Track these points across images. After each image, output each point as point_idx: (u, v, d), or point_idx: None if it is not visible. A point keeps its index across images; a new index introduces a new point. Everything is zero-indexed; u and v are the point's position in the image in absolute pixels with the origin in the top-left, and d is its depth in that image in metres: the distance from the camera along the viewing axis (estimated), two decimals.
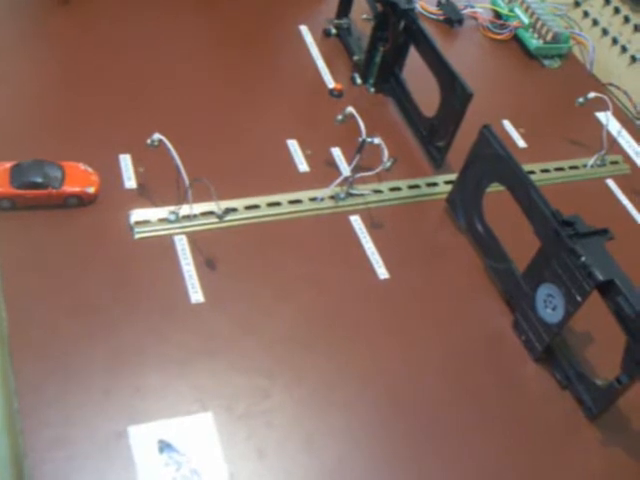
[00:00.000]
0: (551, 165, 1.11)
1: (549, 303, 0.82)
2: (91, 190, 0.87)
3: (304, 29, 1.22)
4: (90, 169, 0.89)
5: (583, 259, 0.77)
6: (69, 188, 0.86)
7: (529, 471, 0.78)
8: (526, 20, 1.33)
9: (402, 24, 1.05)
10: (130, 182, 0.91)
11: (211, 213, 0.88)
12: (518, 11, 1.35)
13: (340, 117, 0.96)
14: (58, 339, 0.75)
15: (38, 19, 1.08)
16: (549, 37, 1.31)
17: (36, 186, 0.85)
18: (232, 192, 0.91)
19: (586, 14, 1.40)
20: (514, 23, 1.33)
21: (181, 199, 0.86)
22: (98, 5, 1.12)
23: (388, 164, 0.93)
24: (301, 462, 0.72)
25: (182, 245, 0.86)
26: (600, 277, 0.76)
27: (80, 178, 0.87)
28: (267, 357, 0.79)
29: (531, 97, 1.25)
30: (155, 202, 0.89)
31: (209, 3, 1.20)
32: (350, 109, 0.95)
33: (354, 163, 0.94)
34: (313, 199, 0.95)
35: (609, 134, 1.14)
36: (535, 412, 0.82)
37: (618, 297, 0.76)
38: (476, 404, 0.81)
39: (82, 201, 0.87)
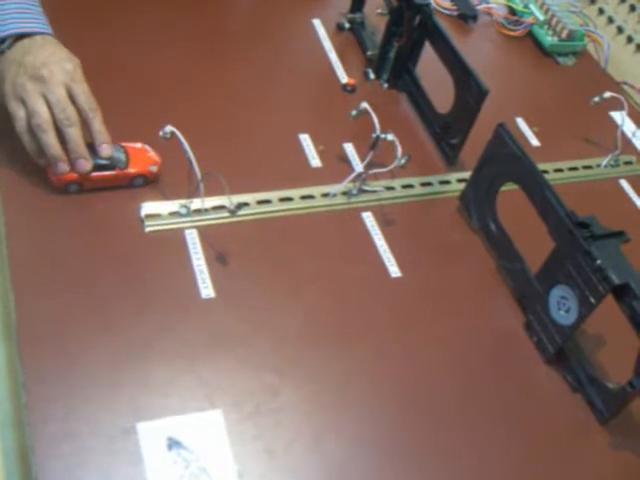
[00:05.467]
0: (564, 164, 1.11)
1: (562, 305, 0.82)
2: (155, 169, 0.88)
3: (317, 23, 1.21)
4: (149, 148, 0.89)
5: (599, 262, 0.76)
6: (135, 168, 0.87)
7: (538, 474, 0.77)
8: (541, 17, 1.32)
9: (417, 19, 1.04)
10: None
11: (222, 207, 0.87)
12: (533, 7, 1.34)
13: (354, 112, 0.95)
14: (66, 333, 0.75)
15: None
16: (564, 34, 1.30)
17: (104, 168, 0.85)
18: (244, 186, 0.91)
19: (601, 11, 1.39)
20: (529, 20, 1.32)
21: (192, 193, 0.85)
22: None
23: (403, 161, 0.93)
24: (310, 461, 0.72)
25: (193, 239, 0.85)
26: (616, 280, 0.75)
27: (143, 158, 0.88)
28: (277, 355, 0.78)
29: (545, 95, 1.24)
30: (166, 195, 0.88)
31: None
32: (365, 104, 0.94)
33: (367, 159, 0.94)
34: (325, 195, 0.94)
35: (623, 134, 1.13)
36: (545, 414, 0.82)
37: (633, 301, 0.75)
38: (486, 405, 0.81)
39: (147, 180, 0.88)
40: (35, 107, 0.81)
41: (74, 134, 0.83)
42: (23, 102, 0.82)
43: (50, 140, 0.82)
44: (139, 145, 0.89)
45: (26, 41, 0.84)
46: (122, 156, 0.87)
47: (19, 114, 0.82)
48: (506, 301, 0.90)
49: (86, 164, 0.84)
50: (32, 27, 0.85)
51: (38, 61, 0.82)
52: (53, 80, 0.82)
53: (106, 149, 0.85)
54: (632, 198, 1.10)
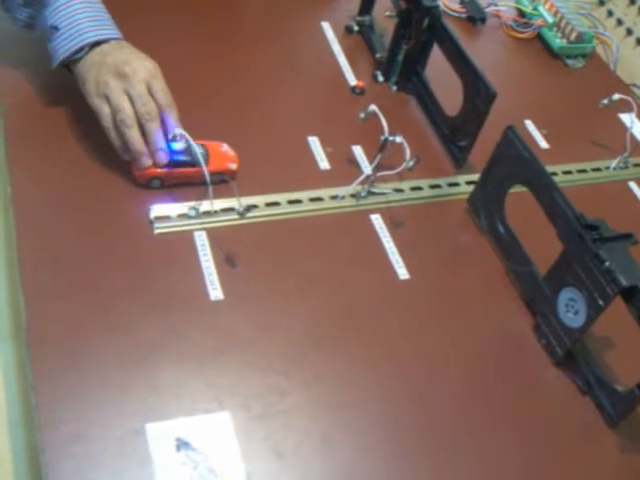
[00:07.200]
0: (573, 167, 1.10)
1: (571, 307, 0.82)
2: (233, 167, 0.90)
3: (326, 25, 1.21)
4: (226, 145, 0.91)
5: (607, 264, 0.76)
6: (214, 165, 0.88)
7: (546, 476, 0.77)
8: (550, 19, 1.31)
9: (426, 22, 1.04)
10: None
11: (231, 209, 0.87)
12: (542, 10, 1.33)
13: (363, 115, 0.95)
14: (76, 335, 0.75)
15: None
16: (573, 37, 1.29)
17: (186, 165, 0.87)
18: (252, 189, 0.91)
19: (610, 13, 1.39)
20: (538, 22, 1.32)
21: (202, 195, 0.85)
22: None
23: (411, 163, 0.93)
24: (318, 462, 0.72)
25: (202, 241, 0.86)
26: (624, 282, 0.75)
27: (222, 155, 0.90)
28: (285, 356, 0.79)
29: (554, 97, 1.24)
30: (175, 197, 0.88)
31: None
32: (373, 107, 0.94)
33: (376, 162, 0.94)
34: (334, 197, 0.95)
35: (633, 136, 1.12)
36: (554, 417, 0.82)
37: None
38: (494, 407, 0.81)
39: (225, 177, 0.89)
40: (119, 103, 0.84)
41: (153, 128, 0.85)
42: (107, 99, 0.84)
43: (134, 135, 0.84)
44: (218, 143, 0.91)
45: (104, 46, 0.87)
46: (203, 153, 0.88)
47: (104, 111, 0.85)
48: (514, 303, 0.90)
49: (164, 156, 0.86)
50: (108, 34, 0.88)
51: (120, 59, 0.85)
52: (136, 77, 0.84)
53: (178, 143, 0.87)
54: None
